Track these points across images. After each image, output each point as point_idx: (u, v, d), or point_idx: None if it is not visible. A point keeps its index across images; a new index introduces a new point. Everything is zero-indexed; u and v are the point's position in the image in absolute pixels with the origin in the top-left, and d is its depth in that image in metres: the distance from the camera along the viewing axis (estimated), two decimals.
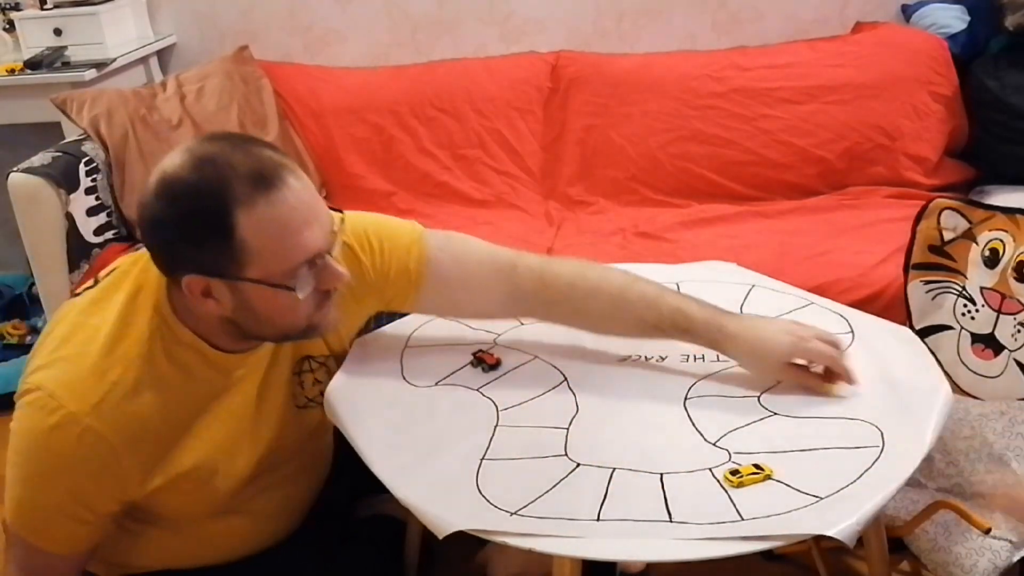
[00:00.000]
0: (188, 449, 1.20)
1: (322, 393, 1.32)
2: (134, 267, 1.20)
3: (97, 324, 1.16)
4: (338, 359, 1.36)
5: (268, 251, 1.08)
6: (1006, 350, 1.50)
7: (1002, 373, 1.50)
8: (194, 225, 1.07)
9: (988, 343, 1.52)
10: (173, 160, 1.08)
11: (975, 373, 1.53)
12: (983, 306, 1.50)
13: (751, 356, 1.25)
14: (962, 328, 1.55)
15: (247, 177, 1.06)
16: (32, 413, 1.13)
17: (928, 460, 1.31)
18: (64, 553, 1.20)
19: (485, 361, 1.35)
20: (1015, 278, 1.48)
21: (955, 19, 2.38)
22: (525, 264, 1.35)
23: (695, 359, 1.34)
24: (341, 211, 1.21)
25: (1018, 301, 1.48)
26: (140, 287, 1.18)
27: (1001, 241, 1.51)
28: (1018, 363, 1.48)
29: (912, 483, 1.47)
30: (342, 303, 1.25)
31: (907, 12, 2.49)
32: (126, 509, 1.21)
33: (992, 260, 1.51)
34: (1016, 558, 1.30)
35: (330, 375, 1.33)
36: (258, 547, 1.35)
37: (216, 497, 1.26)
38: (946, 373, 1.53)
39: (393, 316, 1.51)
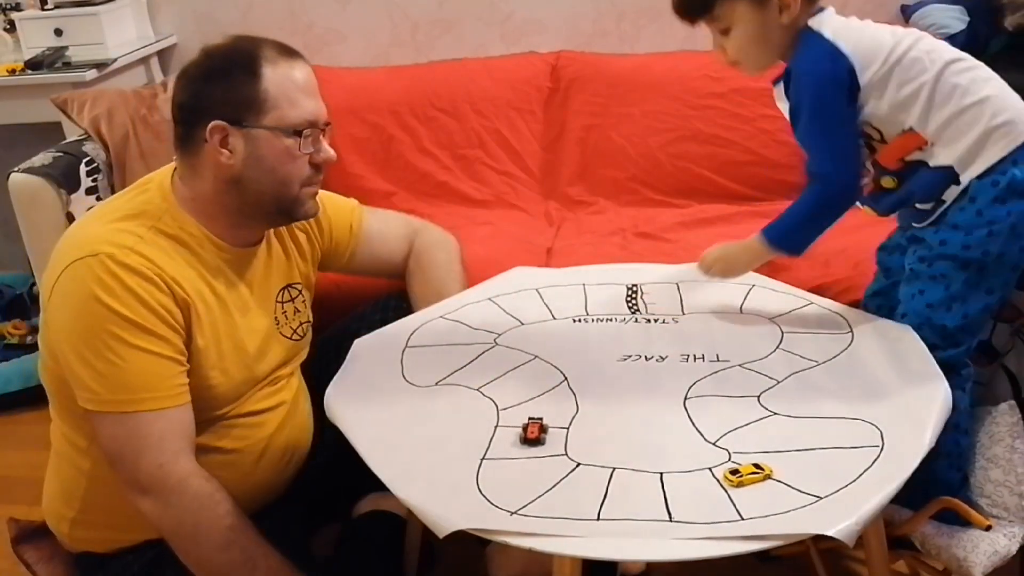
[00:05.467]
0: (201, 320, 1.30)
1: (302, 326, 1.50)
2: (138, 183, 1.38)
3: (113, 204, 1.34)
4: (308, 288, 1.56)
5: (285, 101, 1.29)
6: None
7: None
8: (228, 69, 1.29)
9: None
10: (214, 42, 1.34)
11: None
12: None
13: None
14: None
15: (275, 46, 1.32)
16: (73, 279, 1.22)
17: None
18: (170, 405, 1.24)
19: (527, 435, 1.18)
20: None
21: (955, 19, 2.37)
22: (427, 230, 1.72)
23: (695, 359, 1.35)
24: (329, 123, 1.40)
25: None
26: (147, 187, 1.35)
27: None
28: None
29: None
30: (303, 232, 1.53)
31: (907, 12, 2.48)
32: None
33: None
34: (1015, 547, 1.31)
35: (305, 305, 1.53)
36: (240, 502, 1.34)
37: (219, 395, 1.33)
38: None
39: (388, 315, 1.55)
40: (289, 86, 1.30)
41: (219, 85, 1.29)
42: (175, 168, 1.36)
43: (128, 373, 1.21)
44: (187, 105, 1.31)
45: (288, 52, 1.32)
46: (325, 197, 1.59)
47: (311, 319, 1.54)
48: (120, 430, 1.22)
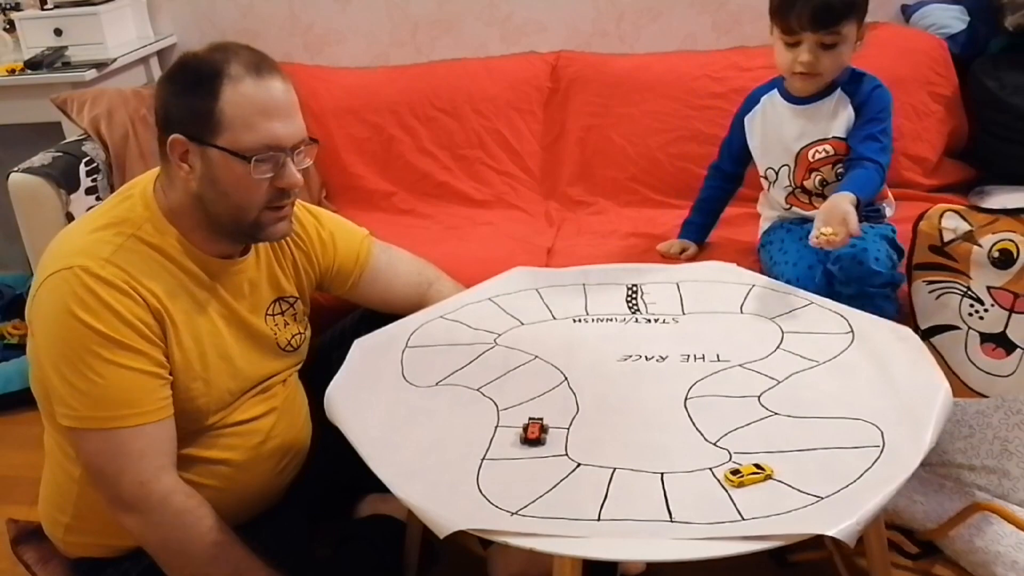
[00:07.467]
0: (179, 330, 1.28)
1: (295, 338, 1.48)
2: (121, 190, 1.36)
3: (95, 213, 1.31)
4: (303, 302, 1.53)
5: (239, 123, 1.23)
6: (1019, 349, 1.49)
7: (1015, 371, 1.50)
8: (189, 85, 1.24)
9: (999, 342, 1.52)
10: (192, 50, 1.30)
11: (986, 372, 1.51)
12: (992, 305, 1.50)
13: None
14: (970, 328, 1.54)
15: (245, 62, 1.24)
16: (50, 292, 1.21)
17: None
18: (151, 420, 1.22)
19: (527, 435, 1.18)
20: None
21: (955, 19, 2.37)
22: (437, 289, 1.64)
23: (695, 359, 1.35)
24: (316, 140, 1.34)
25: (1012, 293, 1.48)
26: (130, 194, 1.33)
27: (1013, 242, 1.50)
28: None
29: (935, 486, 1.47)
30: (297, 250, 1.49)
31: (907, 12, 2.48)
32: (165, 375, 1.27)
33: (1004, 261, 1.50)
34: None
35: (296, 319, 1.50)
36: (238, 510, 1.35)
37: (202, 406, 1.32)
38: (954, 373, 1.52)
39: (386, 317, 1.55)
40: (247, 108, 1.23)
41: (181, 98, 1.25)
42: (157, 176, 1.34)
43: (107, 390, 1.20)
44: (158, 114, 1.28)
45: (258, 69, 1.24)
46: (336, 222, 1.58)
47: (305, 332, 1.52)
48: (100, 447, 1.21)
